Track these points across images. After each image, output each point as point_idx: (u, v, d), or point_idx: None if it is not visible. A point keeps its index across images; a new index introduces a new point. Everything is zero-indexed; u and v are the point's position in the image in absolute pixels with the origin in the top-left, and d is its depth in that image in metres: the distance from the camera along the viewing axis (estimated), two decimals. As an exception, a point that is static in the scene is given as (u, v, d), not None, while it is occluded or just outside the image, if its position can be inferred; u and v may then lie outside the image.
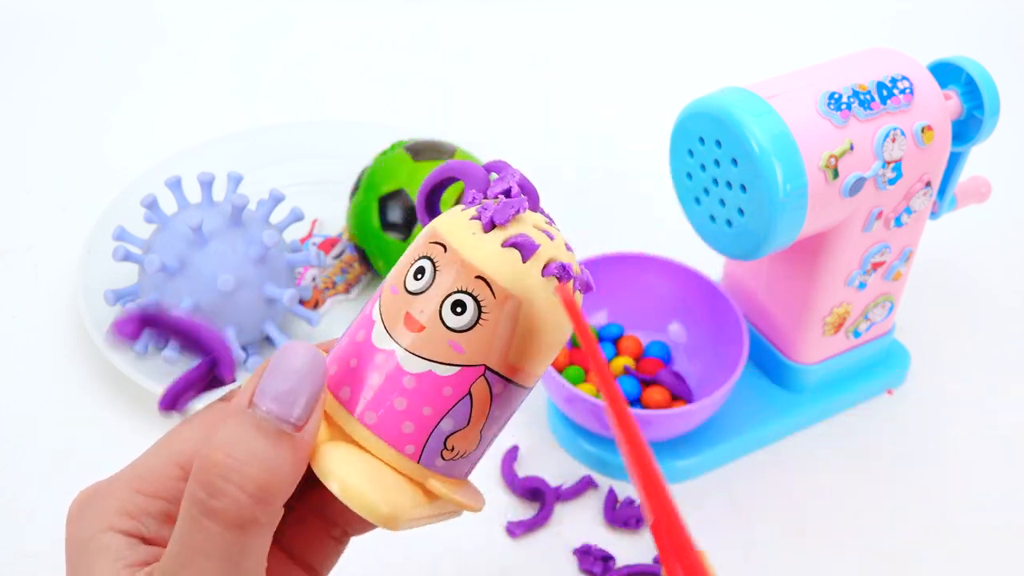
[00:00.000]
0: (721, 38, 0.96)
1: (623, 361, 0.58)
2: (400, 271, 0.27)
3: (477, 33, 0.94)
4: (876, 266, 0.55)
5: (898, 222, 0.53)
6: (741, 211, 0.50)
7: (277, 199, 0.59)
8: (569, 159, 0.80)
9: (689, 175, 0.52)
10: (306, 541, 0.32)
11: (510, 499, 0.56)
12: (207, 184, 0.58)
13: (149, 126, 0.83)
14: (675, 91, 0.63)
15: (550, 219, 0.29)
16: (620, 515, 0.54)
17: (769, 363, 0.60)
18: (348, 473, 0.26)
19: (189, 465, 0.27)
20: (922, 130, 0.50)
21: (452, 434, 0.27)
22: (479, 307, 0.26)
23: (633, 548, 0.54)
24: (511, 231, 0.27)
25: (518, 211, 0.27)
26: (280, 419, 0.25)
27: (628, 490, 0.56)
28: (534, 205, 0.29)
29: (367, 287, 0.66)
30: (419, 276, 0.27)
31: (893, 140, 0.49)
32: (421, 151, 0.61)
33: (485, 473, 0.57)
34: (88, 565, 0.26)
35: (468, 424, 0.27)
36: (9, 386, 0.61)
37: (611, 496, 0.55)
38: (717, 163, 0.50)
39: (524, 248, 0.27)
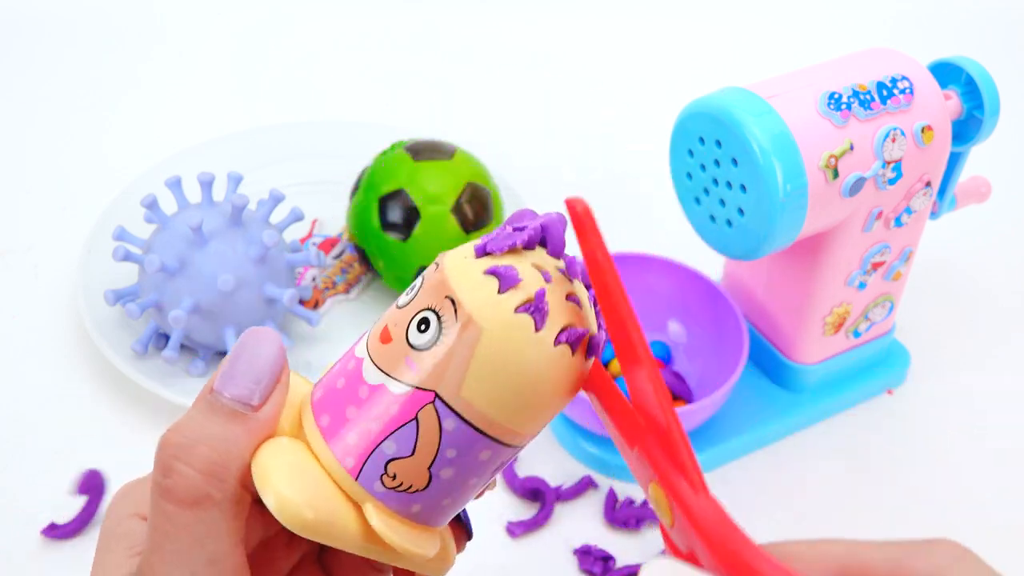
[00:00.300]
0: (721, 38, 0.96)
1: (623, 361, 0.58)
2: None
3: (477, 33, 0.94)
4: (876, 266, 0.55)
5: (898, 222, 0.53)
6: (741, 211, 0.50)
7: (277, 199, 0.59)
8: (569, 159, 0.80)
9: (689, 175, 0.52)
10: (346, 568, 0.32)
11: (510, 499, 0.56)
12: (207, 184, 0.58)
13: (149, 126, 0.83)
14: (675, 91, 0.63)
15: (573, 265, 0.27)
16: (620, 515, 0.54)
17: (769, 363, 0.60)
18: (275, 463, 0.25)
19: None
20: (922, 130, 0.50)
21: (394, 460, 0.26)
22: (440, 327, 0.25)
23: (633, 548, 0.54)
24: (499, 261, 0.26)
25: (514, 244, 0.26)
26: (235, 400, 0.26)
27: (628, 490, 0.56)
28: (554, 250, 0.27)
29: (367, 287, 0.66)
30: (410, 292, 0.26)
31: (893, 140, 0.49)
32: (421, 151, 0.61)
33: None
34: (107, 548, 0.27)
35: (412, 454, 0.26)
36: (9, 386, 0.61)
37: (611, 496, 0.55)
38: (717, 163, 0.50)
39: (503, 278, 0.25)
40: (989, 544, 0.55)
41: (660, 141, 0.56)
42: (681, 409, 0.53)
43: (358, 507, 0.26)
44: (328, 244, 0.65)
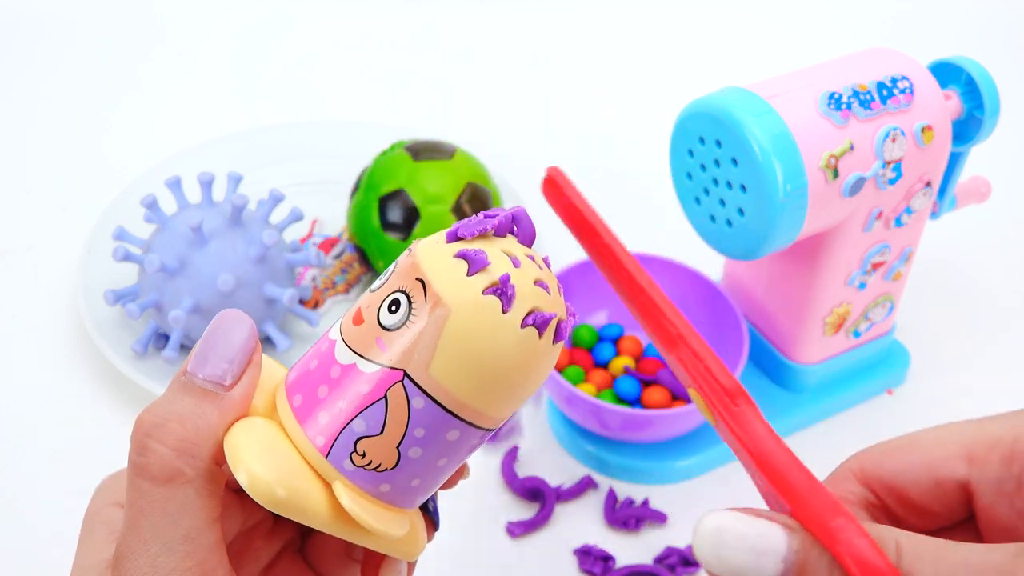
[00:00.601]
0: (721, 38, 0.96)
1: (623, 361, 0.58)
2: None
3: (477, 33, 0.94)
4: (876, 266, 0.55)
5: (898, 222, 0.53)
6: (741, 211, 0.50)
7: (277, 199, 0.59)
8: (569, 159, 0.80)
9: (689, 175, 0.52)
10: (329, 560, 0.33)
11: (510, 499, 0.56)
12: (207, 184, 0.58)
13: (149, 126, 0.83)
14: (675, 91, 0.63)
15: (546, 262, 0.28)
16: (620, 515, 0.54)
17: (769, 363, 0.60)
18: (247, 441, 0.26)
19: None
20: (922, 130, 0.50)
21: (364, 437, 0.26)
22: (410, 307, 0.26)
23: (633, 548, 0.54)
24: (469, 246, 0.26)
25: (484, 230, 0.27)
26: (207, 380, 0.26)
27: (628, 490, 0.56)
28: (524, 239, 0.28)
29: (367, 287, 0.66)
30: (384, 277, 0.27)
31: (893, 140, 0.49)
32: (421, 151, 0.61)
33: (485, 473, 0.57)
34: (89, 533, 0.28)
35: (382, 432, 0.26)
36: (9, 386, 0.61)
37: (611, 496, 0.55)
38: (717, 163, 0.50)
39: (472, 261, 0.26)
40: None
41: (660, 141, 0.56)
42: (681, 409, 0.53)
43: (328, 485, 0.26)
44: (328, 244, 0.65)
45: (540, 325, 0.26)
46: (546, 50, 0.93)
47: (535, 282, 0.26)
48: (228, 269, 0.56)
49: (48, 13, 0.94)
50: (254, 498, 0.25)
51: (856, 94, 0.49)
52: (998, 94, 0.52)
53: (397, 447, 0.26)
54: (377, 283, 0.27)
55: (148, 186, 0.66)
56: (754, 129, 0.47)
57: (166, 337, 0.59)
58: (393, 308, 0.26)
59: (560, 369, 0.57)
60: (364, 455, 0.26)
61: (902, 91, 0.50)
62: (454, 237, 0.27)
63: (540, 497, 0.55)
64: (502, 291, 0.26)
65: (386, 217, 0.60)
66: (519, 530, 0.54)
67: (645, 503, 0.55)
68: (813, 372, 0.59)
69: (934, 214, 0.57)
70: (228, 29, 0.94)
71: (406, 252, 0.27)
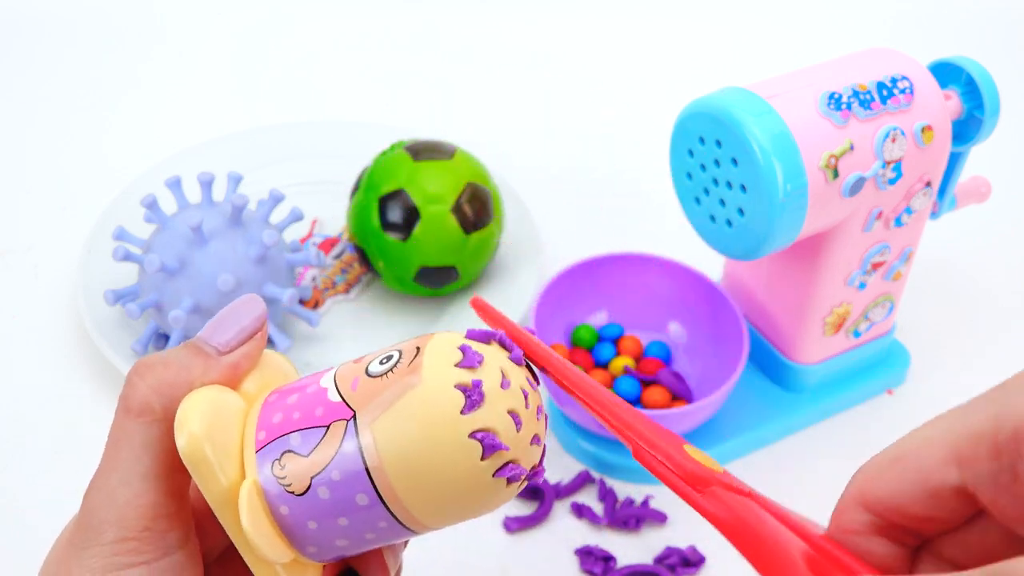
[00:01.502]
0: (721, 38, 0.96)
1: (623, 361, 0.58)
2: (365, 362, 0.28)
3: (477, 33, 0.94)
4: (876, 266, 0.55)
5: (898, 222, 0.53)
6: (741, 211, 0.49)
7: (277, 199, 0.59)
8: (569, 159, 0.80)
9: (689, 175, 0.52)
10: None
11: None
12: (207, 184, 0.58)
13: (149, 126, 0.83)
14: (675, 91, 0.63)
15: (546, 419, 0.28)
16: (620, 515, 0.54)
17: (769, 363, 0.60)
18: (207, 396, 0.27)
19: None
20: (922, 130, 0.50)
21: (290, 452, 0.27)
22: (394, 367, 0.27)
23: (634, 548, 0.54)
24: (478, 347, 0.27)
25: (495, 335, 0.28)
26: (205, 340, 0.28)
27: (628, 490, 0.56)
28: (532, 382, 0.28)
29: (367, 287, 0.66)
30: (384, 362, 0.27)
31: (893, 140, 0.49)
32: (421, 151, 0.61)
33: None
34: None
35: (307, 455, 0.26)
36: (9, 386, 0.61)
37: (611, 496, 0.55)
38: (717, 163, 0.50)
39: (466, 355, 0.26)
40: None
41: (660, 141, 0.56)
42: (681, 409, 0.53)
43: (242, 476, 0.27)
44: (328, 244, 0.65)
45: (488, 447, 0.26)
46: (546, 50, 0.93)
47: (510, 412, 0.26)
48: (228, 269, 0.55)
49: (48, 13, 0.94)
50: (177, 440, 0.26)
51: (856, 94, 0.49)
52: (998, 94, 0.52)
53: (312, 477, 0.26)
54: (376, 369, 0.27)
55: (148, 186, 0.66)
56: (754, 129, 0.47)
57: (166, 337, 0.59)
58: (384, 361, 0.27)
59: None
60: (284, 467, 0.27)
61: (902, 91, 0.50)
62: (472, 336, 0.28)
63: (539, 495, 0.55)
64: (470, 393, 0.26)
65: (386, 217, 0.60)
66: (515, 525, 0.54)
67: (645, 502, 0.55)
68: (813, 372, 0.59)
69: (934, 214, 0.57)
70: (228, 29, 0.94)
71: (415, 351, 0.27)
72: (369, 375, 0.27)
